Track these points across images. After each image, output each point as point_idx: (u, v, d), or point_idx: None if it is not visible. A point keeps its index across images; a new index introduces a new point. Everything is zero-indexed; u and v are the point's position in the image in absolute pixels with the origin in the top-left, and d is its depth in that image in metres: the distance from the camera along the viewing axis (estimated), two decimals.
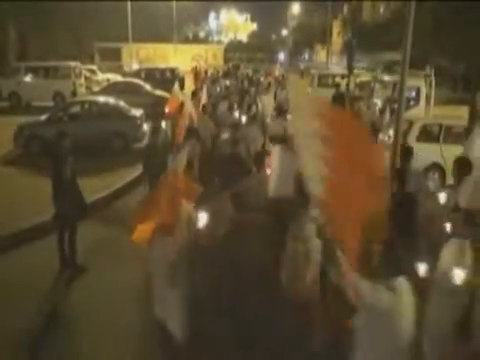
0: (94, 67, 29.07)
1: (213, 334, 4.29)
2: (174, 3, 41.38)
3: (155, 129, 8.41)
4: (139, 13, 36.33)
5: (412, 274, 3.53)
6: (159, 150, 7.57)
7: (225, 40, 77.79)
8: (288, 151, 5.50)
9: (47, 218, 7.29)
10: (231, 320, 4.16)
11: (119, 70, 31.95)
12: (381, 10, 47.26)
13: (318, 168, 3.50)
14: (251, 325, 4.12)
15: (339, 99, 16.24)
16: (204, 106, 10.85)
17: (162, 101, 17.09)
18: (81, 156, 6.79)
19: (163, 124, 9.34)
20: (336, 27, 53.66)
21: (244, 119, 10.22)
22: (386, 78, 17.55)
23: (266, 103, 12.70)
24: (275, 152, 6.03)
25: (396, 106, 8.78)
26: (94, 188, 8.96)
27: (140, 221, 4.48)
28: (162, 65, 30.46)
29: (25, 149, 12.20)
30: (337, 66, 40.91)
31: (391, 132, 9.94)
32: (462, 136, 9.07)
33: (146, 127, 13.18)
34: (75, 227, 6.60)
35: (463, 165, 5.30)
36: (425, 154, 9.05)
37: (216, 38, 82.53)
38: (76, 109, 13.57)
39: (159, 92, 19.11)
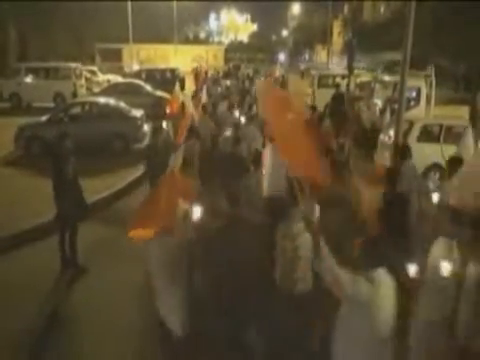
0: (95, 68, 29.08)
1: (210, 326, 4.44)
2: (175, 3, 41.36)
3: (157, 129, 8.43)
4: (139, 13, 36.32)
5: (401, 272, 3.63)
6: (161, 150, 7.59)
7: (225, 41, 77.78)
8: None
9: (48, 219, 7.32)
10: (227, 314, 4.25)
11: (120, 71, 31.97)
12: (381, 10, 47.26)
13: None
14: (246, 319, 4.19)
15: (339, 99, 16.23)
16: (204, 106, 10.88)
17: (163, 102, 17.18)
18: (82, 157, 6.80)
19: (164, 124, 9.37)
20: (336, 27, 53.68)
21: (244, 119, 10.25)
22: (386, 78, 17.53)
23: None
24: (267, 151, 6.12)
25: (396, 106, 8.80)
26: (95, 189, 8.97)
27: (140, 220, 4.55)
28: (162, 66, 30.46)
29: (26, 150, 12.20)
30: (338, 66, 40.91)
31: (391, 132, 9.94)
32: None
33: (147, 128, 13.20)
34: (76, 227, 6.61)
35: (455, 164, 5.36)
36: (426, 154, 9.08)
37: (216, 39, 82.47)
38: (77, 110, 13.57)
39: (160, 93, 19.12)
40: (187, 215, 4.69)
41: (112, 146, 12.51)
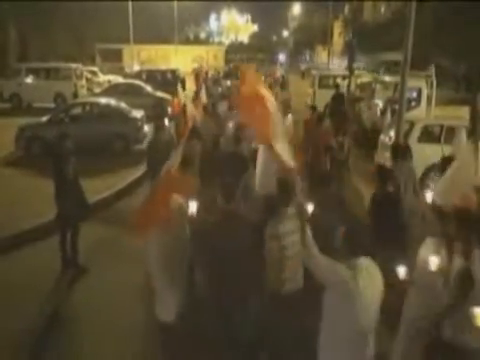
0: (95, 68, 29.12)
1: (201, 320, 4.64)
2: (175, 3, 41.42)
3: (158, 128, 8.48)
4: (140, 14, 36.38)
5: (388, 268, 3.65)
6: (162, 148, 7.62)
7: (226, 41, 77.79)
8: (271, 151, 5.78)
9: (48, 219, 7.33)
10: (217, 309, 4.34)
11: (120, 71, 32.00)
12: (382, 10, 47.24)
13: None
14: (236, 316, 4.26)
15: (339, 99, 16.24)
16: (206, 107, 10.93)
17: (163, 102, 17.19)
18: (82, 157, 6.81)
19: (166, 122, 9.43)
20: (337, 28, 53.66)
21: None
22: (387, 79, 17.53)
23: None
24: (260, 151, 6.24)
25: (397, 107, 8.80)
26: (96, 189, 8.97)
27: (140, 218, 4.65)
28: (163, 66, 30.51)
29: (26, 150, 12.21)
30: (338, 67, 40.91)
31: (392, 133, 9.95)
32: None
33: (147, 128, 13.22)
34: (77, 227, 6.61)
35: (448, 164, 5.40)
36: (426, 155, 9.07)
37: (217, 39, 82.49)
38: (77, 110, 13.58)
39: (160, 93, 19.14)
40: (182, 209, 4.76)
41: (112, 146, 12.51)
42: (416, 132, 9.95)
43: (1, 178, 10.45)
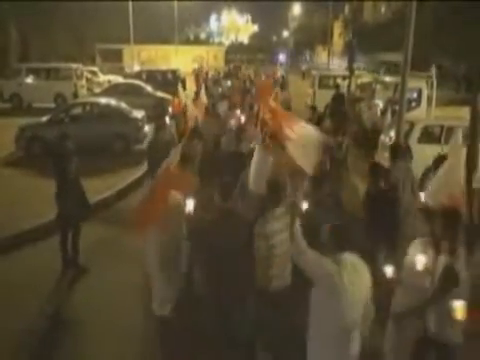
0: (95, 68, 29.09)
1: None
2: (175, 4, 41.44)
3: (159, 127, 8.52)
4: (140, 14, 36.37)
5: (376, 264, 3.83)
6: (162, 148, 7.65)
7: (226, 42, 77.81)
8: (265, 151, 5.93)
9: (48, 219, 7.33)
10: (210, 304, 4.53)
11: (120, 72, 31.98)
12: (382, 10, 47.26)
13: None
14: (229, 311, 4.45)
15: (339, 99, 16.23)
16: (207, 107, 10.98)
17: (163, 102, 17.19)
18: (83, 157, 6.80)
19: (167, 121, 9.47)
20: (337, 28, 53.69)
21: (244, 118, 10.34)
22: (387, 79, 17.53)
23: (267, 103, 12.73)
24: (256, 151, 6.39)
25: (397, 107, 8.80)
26: (96, 189, 8.97)
27: (139, 215, 4.75)
28: (163, 67, 30.53)
29: (26, 150, 12.21)
30: (338, 67, 40.91)
31: (392, 133, 9.95)
32: (464, 137, 9.05)
33: (147, 129, 13.21)
34: (79, 227, 6.62)
35: (440, 164, 5.48)
36: (426, 155, 9.06)
37: (217, 39, 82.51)
38: (77, 111, 13.58)
39: (160, 94, 19.14)
40: (180, 207, 4.86)
41: (113, 147, 12.51)
42: (416, 132, 9.95)
43: (1, 178, 10.45)
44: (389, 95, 15.50)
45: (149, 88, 19.48)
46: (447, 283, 3.33)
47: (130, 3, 33.57)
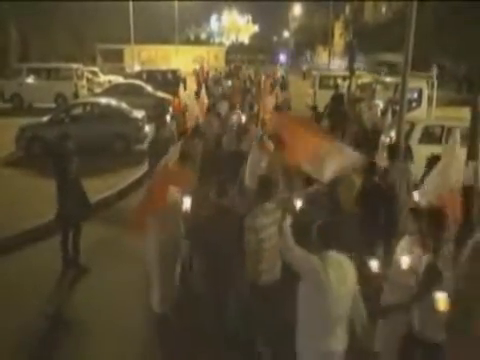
0: (96, 69, 29.09)
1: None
2: (176, 4, 41.46)
3: (159, 126, 8.57)
4: (140, 14, 36.35)
5: (362, 259, 3.89)
6: (163, 146, 7.70)
7: (227, 42, 77.77)
8: (260, 150, 6.39)
9: (49, 219, 7.32)
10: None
11: (121, 72, 31.98)
12: (383, 10, 47.25)
13: None
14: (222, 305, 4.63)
15: (338, 99, 16.21)
16: (208, 107, 11.05)
17: (164, 102, 17.19)
18: (83, 157, 6.80)
19: (168, 119, 9.52)
20: (338, 28, 53.70)
21: (244, 118, 10.39)
22: (388, 79, 17.52)
23: (267, 103, 12.79)
24: (252, 150, 6.59)
25: (398, 107, 8.79)
26: (97, 189, 8.97)
27: (138, 210, 4.99)
28: (164, 67, 30.51)
29: (27, 151, 12.21)
30: (339, 68, 40.90)
31: (393, 134, 9.93)
32: (464, 137, 9.05)
33: (148, 129, 13.21)
34: (79, 227, 6.62)
35: (433, 163, 5.56)
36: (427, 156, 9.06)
37: (218, 40, 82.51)
38: (78, 111, 13.58)
39: (161, 94, 19.14)
40: (177, 205, 4.98)
41: (113, 147, 12.51)
42: (417, 133, 9.95)
43: (2, 178, 10.46)
44: (389, 95, 15.49)
45: (149, 88, 19.48)
46: (430, 280, 3.40)
47: (130, 3, 33.56)
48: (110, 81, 25.08)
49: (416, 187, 5.87)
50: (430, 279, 3.39)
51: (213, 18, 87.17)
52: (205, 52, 50.73)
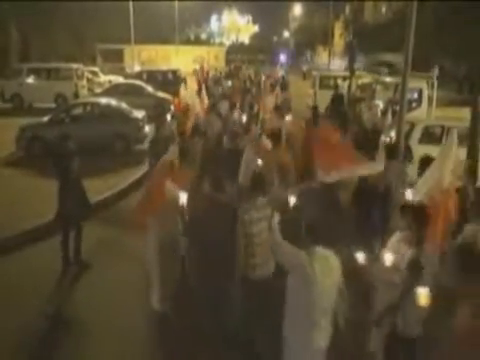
0: (96, 69, 29.09)
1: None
2: (176, 4, 41.46)
3: (159, 125, 8.61)
4: (141, 14, 36.34)
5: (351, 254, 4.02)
6: (162, 143, 7.74)
7: (227, 42, 77.77)
8: (254, 149, 6.64)
9: (49, 219, 7.32)
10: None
11: (121, 72, 31.98)
12: (383, 10, 47.24)
13: None
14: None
15: (338, 100, 16.20)
16: (208, 106, 11.10)
17: (164, 102, 17.20)
18: (83, 157, 6.80)
19: (168, 118, 9.56)
20: (338, 28, 53.67)
21: (245, 118, 10.42)
22: (388, 79, 17.52)
23: (267, 103, 12.82)
24: (246, 149, 6.83)
25: (398, 108, 8.80)
26: (97, 189, 8.97)
27: (138, 208, 5.14)
28: (164, 67, 30.51)
29: (27, 151, 12.21)
30: (339, 68, 40.90)
31: (393, 134, 9.94)
32: (464, 138, 9.05)
33: (148, 129, 13.22)
34: (80, 227, 6.63)
35: (425, 164, 5.61)
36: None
37: (218, 40, 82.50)
38: (78, 111, 13.58)
39: (161, 94, 19.15)
40: (176, 201, 5.06)
41: (113, 147, 12.52)
42: (417, 133, 9.95)
43: (2, 178, 10.46)
44: (389, 95, 15.49)
45: (150, 88, 19.48)
46: (413, 275, 3.50)
47: (130, 3, 33.56)
48: (110, 81, 25.08)
49: (411, 187, 5.91)
50: (413, 274, 3.50)
51: (213, 18, 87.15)
52: (205, 52, 50.75)
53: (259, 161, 6.55)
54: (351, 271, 3.70)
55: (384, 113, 13.54)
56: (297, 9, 78.94)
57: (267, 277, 4.46)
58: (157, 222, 5.03)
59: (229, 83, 22.63)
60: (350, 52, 20.85)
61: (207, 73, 29.06)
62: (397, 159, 6.69)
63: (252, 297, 4.41)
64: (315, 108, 11.67)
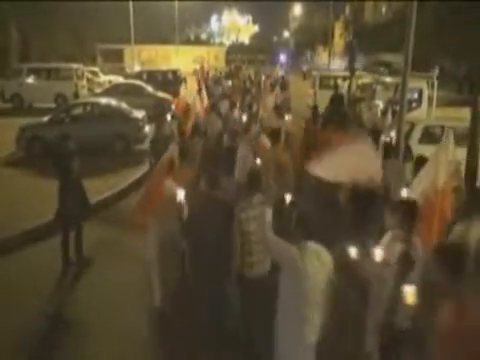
0: (96, 69, 29.09)
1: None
2: (176, 4, 41.46)
3: (159, 125, 8.62)
4: (141, 14, 36.34)
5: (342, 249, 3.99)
6: (164, 145, 7.75)
7: (227, 42, 77.78)
8: (248, 145, 6.73)
9: (49, 219, 7.33)
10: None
11: (121, 72, 31.98)
12: (383, 10, 47.24)
13: None
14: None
15: (337, 100, 16.19)
16: (208, 106, 11.12)
17: (164, 103, 17.21)
18: (83, 157, 6.81)
19: (169, 118, 9.59)
20: (338, 28, 53.68)
21: (245, 117, 10.45)
22: (388, 79, 17.52)
23: (267, 102, 12.82)
24: (240, 147, 7.08)
25: (398, 108, 8.80)
26: (97, 189, 8.98)
27: (138, 206, 5.19)
28: (164, 67, 30.52)
29: (27, 151, 12.21)
30: (339, 68, 40.90)
31: (393, 134, 9.94)
32: (464, 138, 9.05)
33: (148, 129, 13.22)
34: (80, 228, 6.63)
35: (420, 164, 5.64)
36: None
37: (218, 40, 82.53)
38: (78, 111, 13.59)
39: (161, 94, 19.14)
40: (175, 200, 5.08)
41: (113, 147, 12.52)
42: (417, 133, 9.95)
43: (2, 178, 10.46)
44: (389, 95, 15.49)
45: (150, 88, 19.49)
46: (403, 267, 3.54)
47: (130, 3, 33.56)
48: (110, 81, 25.08)
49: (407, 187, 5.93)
50: (404, 266, 3.54)
51: (213, 18, 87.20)
52: (205, 52, 50.75)
53: (257, 160, 6.59)
54: (343, 266, 3.76)
55: (384, 113, 13.53)
56: (297, 9, 78.92)
57: (264, 275, 4.47)
58: (157, 222, 5.06)
59: (229, 83, 22.64)
60: (350, 52, 20.84)
61: (207, 73, 29.05)
62: (395, 157, 6.71)
63: (249, 296, 4.41)
64: (315, 108, 11.67)
